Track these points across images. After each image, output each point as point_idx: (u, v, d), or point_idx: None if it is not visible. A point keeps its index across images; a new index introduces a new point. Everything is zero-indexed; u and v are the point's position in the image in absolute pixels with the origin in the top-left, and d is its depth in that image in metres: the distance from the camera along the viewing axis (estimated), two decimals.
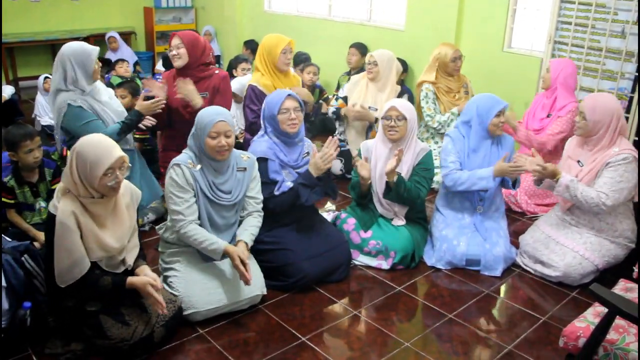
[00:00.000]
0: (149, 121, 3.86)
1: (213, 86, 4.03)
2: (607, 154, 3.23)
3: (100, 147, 2.46)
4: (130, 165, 2.56)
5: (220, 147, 2.88)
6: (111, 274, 2.58)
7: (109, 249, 2.55)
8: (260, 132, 3.43)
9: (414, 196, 3.47)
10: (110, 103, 3.70)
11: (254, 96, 4.13)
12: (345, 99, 4.86)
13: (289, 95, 3.31)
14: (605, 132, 3.25)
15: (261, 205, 3.17)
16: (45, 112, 6.13)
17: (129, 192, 2.69)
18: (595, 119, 3.24)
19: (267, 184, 3.24)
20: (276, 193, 3.24)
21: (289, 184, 3.27)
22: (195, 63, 3.95)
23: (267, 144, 3.31)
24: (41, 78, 6.13)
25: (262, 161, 3.25)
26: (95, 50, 3.56)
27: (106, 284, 2.54)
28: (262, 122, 3.42)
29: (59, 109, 3.50)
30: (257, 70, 4.30)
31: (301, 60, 6.40)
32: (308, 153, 3.46)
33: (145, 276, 2.62)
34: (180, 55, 3.91)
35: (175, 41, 3.91)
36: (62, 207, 2.43)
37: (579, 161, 3.36)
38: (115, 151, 2.47)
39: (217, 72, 4.10)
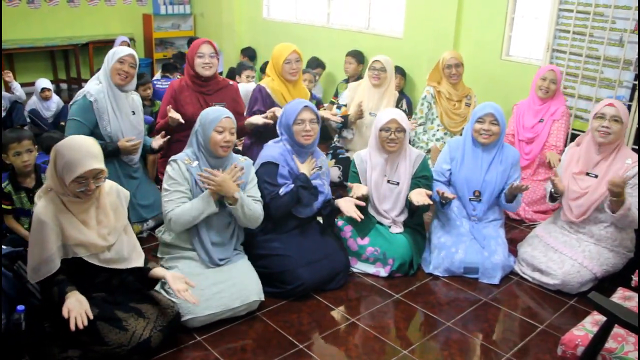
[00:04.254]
0: (157, 142, 3.86)
1: (231, 97, 4.07)
2: (621, 166, 3.23)
3: (78, 153, 2.44)
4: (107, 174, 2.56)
5: (226, 142, 2.99)
6: (62, 284, 2.50)
7: (90, 247, 2.55)
8: (277, 138, 3.45)
9: (427, 207, 3.52)
10: (129, 116, 3.75)
11: (260, 97, 4.13)
12: (345, 106, 4.85)
13: (306, 106, 3.32)
14: (623, 138, 3.27)
15: (260, 203, 3.19)
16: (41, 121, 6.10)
17: (114, 192, 2.70)
18: (626, 123, 3.25)
19: (273, 185, 3.25)
20: (281, 193, 3.24)
21: (292, 186, 3.28)
22: (215, 73, 4.00)
23: (279, 150, 3.34)
24: (39, 86, 6.08)
25: (272, 165, 3.28)
26: (119, 50, 3.65)
27: (54, 294, 2.49)
28: (278, 128, 3.44)
29: (79, 93, 3.67)
30: (268, 76, 4.32)
31: (317, 65, 6.43)
32: (321, 167, 3.47)
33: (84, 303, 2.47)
34: (212, 64, 3.90)
35: (209, 49, 3.87)
36: (41, 203, 2.47)
37: (588, 173, 3.34)
38: (89, 162, 2.42)
39: (231, 83, 4.14)
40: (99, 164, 2.47)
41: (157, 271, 2.73)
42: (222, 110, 3.08)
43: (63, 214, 2.49)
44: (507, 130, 4.60)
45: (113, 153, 3.66)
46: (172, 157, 3.06)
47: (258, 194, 3.21)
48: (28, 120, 5.85)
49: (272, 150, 3.36)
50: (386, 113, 3.52)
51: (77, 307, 2.42)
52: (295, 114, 3.28)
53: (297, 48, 4.23)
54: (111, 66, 3.64)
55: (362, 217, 3.31)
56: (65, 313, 2.39)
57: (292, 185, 3.27)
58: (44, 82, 5.97)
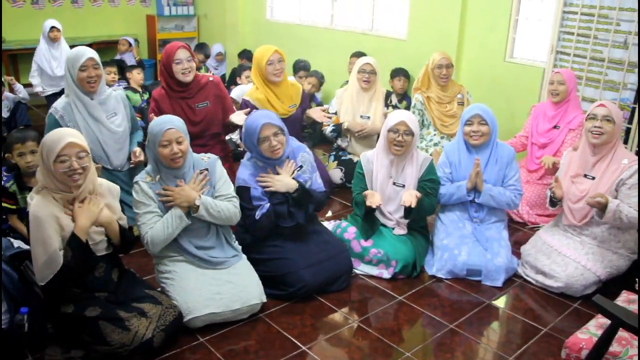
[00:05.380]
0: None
1: (213, 94, 4.02)
2: (617, 167, 3.22)
3: (55, 135, 2.55)
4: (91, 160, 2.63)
5: (174, 155, 2.87)
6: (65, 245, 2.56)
7: (88, 238, 2.62)
8: (248, 155, 3.36)
9: (431, 211, 3.54)
10: (105, 122, 3.68)
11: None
12: (336, 114, 4.84)
13: (265, 123, 3.16)
14: (617, 141, 3.27)
15: (234, 201, 3.10)
16: (47, 67, 6.13)
17: (106, 190, 2.77)
18: (619, 123, 3.26)
19: (249, 209, 3.20)
20: (257, 218, 3.18)
21: (267, 206, 3.21)
22: (194, 73, 3.94)
23: (249, 171, 3.25)
24: (47, 26, 5.95)
25: (244, 189, 3.21)
26: (76, 58, 3.53)
27: (68, 256, 2.53)
28: (244, 146, 3.36)
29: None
30: (253, 84, 4.30)
31: (299, 68, 6.40)
32: (301, 166, 3.38)
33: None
34: (191, 68, 3.85)
35: (185, 54, 3.81)
36: (35, 202, 2.51)
37: (585, 175, 3.34)
38: (66, 138, 2.52)
39: (210, 79, 4.08)
40: (79, 141, 2.56)
41: (75, 228, 2.60)
42: (165, 121, 2.92)
43: (57, 209, 2.54)
44: (521, 132, 4.58)
45: None
46: (135, 179, 2.96)
47: (230, 189, 3.12)
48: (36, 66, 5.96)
49: (243, 172, 3.26)
50: (396, 114, 3.50)
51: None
52: (256, 133, 3.16)
53: (278, 48, 4.20)
54: (77, 78, 3.55)
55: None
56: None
57: (268, 205, 3.21)
58: (52, 22, 5.94)
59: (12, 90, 5.78)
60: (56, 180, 2.53)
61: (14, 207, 3.26)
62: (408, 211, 3.44)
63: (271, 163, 3.27)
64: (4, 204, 3.22)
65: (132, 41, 7.67)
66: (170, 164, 2.90)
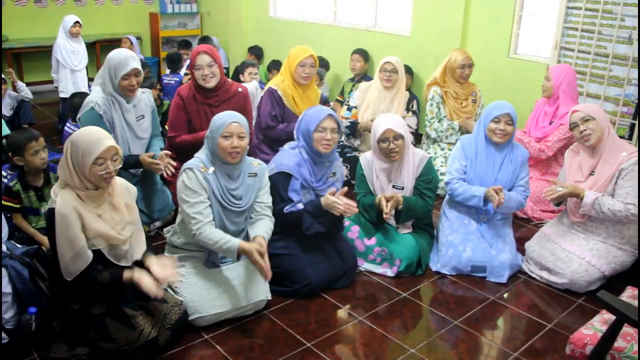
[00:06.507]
0: (167, 170, 3.57)
1: (240, 107, 3.92)
2: (617, 159, 3.22)
3: (92, 136, 2.52)
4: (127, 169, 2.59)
5: (233, 148, 2.88)
6: (111, 268, 2.56)
7: (108, 238, 2.57)
8: (293, 143, 3.37)
9: (424, 211, 3.51)
10: (133, 125, 3.68)
11: (273, 100, 4.05)
12: (355, 108, 4.82)
13: (330, 115, 3.25)
14: (609, 134, 3.27)
15: (270, 209, 3.13)
16: (68, 62, 6.18)
17: (125, 189, 2.73)
18: (600, 115, 3.28)
19: (283, 199, 3.20)
20: (285, 211, 3.18)
21: (300, 206, 3.21)
22: (223, 80, 3.86)
23: (296, 159, 3.25)
24: (69, 21, 6.03)
25: (286, 176, 3.22)
26: (120, 67, 3.50)
27: (105, 279, 2.53)
28: (295, 133, 3.37)
29: (86, 103, 3.57)
30: (281, 75, 4.26)
31: (320, 65, 6.40)
32: (335, 173, 3.41)
33: (141, 270, 2.62)
34: (214, 74, 3.77)
35: (207, 59, 3.73)
36: (60, 199, 2.47)
37: (592, 173, 3.34)
38: (105, 141, 2.51)
39: (240, 89, 4.00)
40: (112, 141, 2.55)
41: (125, 273, 2.60)
42: (231, 114, 2.97)
43: (81, 206, 2.51)
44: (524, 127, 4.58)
45: (134, 165, 3.58)
46: (188, 165, 2.91)
47: (269, 200, 3.13)
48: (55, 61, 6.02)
49: (288, 158, 3.26)
50: (379, 123, 3.45)
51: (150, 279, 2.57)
52: (318, 120, 3.21)
53: (314, 53, 4.19)
54: (118, 85, 3.52)
55: (354, 207, 3.13)
56: (144, 280, 2.55)
57: (301, 207, 3.19)
58: (74, 17, 5.99)
59: (15, 88, 5.80)
60: (86, 181, 2.51)
61: (17, 206, 3.27)
62: (398, 215, 3.45)
63: (316, 158, 3.29)
64: (8, 203, 3.22)
65: (133, 40, 7.67)
66: (227, 157, 2.90)
